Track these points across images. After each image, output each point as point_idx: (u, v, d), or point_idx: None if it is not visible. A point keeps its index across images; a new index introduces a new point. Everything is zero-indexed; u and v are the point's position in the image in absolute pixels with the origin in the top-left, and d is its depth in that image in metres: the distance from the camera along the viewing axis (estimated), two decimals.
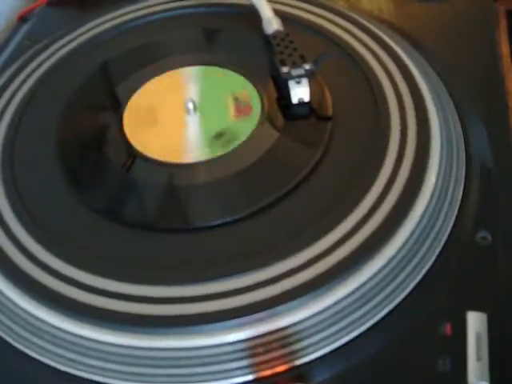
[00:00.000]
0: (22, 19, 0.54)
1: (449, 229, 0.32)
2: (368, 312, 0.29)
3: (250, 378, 0.28)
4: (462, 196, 0.33)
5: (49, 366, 0.30)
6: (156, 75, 0.42)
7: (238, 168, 0.34)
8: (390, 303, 0.29)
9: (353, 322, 0.28)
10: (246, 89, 0.39)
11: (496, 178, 0.34)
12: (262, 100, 0.38)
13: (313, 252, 0.29)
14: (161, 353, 0.28)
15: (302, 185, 0.33)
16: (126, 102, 0.40)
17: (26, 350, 0.30)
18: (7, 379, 0.30)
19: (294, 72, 0.37)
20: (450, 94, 0.38)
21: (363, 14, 0.44)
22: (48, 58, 0.45)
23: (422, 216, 0.31)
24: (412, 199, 0.31)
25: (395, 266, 0.29)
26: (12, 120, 0.40)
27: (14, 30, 0.53)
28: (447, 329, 0.28)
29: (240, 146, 0.35)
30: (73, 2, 0.54)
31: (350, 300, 0.28)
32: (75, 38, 0.46)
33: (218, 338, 0.28)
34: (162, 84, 0.41)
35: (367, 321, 0.29)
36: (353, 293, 0.28)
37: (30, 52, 0.46)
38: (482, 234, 0.31)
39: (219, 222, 0.32)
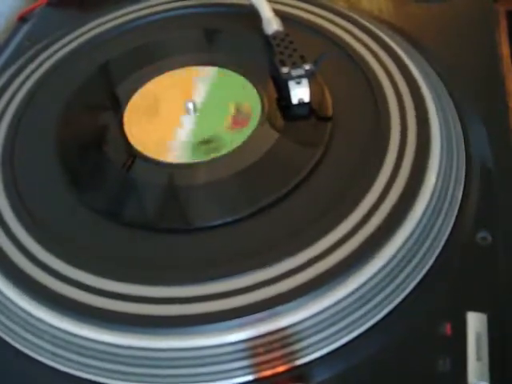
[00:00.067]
0: (22, 19, 0.54)
1: (449, 229, 0.32)
2: (368, 312, 0.29)
3: (249, 378, 0.28)
4: (462, 196, 0.33)
5: (49, 366, 0.30)
6: (156, 75, 0.42)
7: (239, 168, 0.34)
8: (389, 303, 0.29)
9: (353, 322, 0.28)
10: (249, 101, 0.38)
11: (496, 178, 0.34)
12: (262, 100, 0.38)
13: (313, 252, 0.29)
14: (161, 353, 0.28)
15: (302, 185, 0.33)
16: (127, 102, 0.40)
17: (26, 351, 0.30)
18: (7, 379, 0.30)
19: (294, 72, 0.37)
20: (450, 94, 0.38)
21: (363, 14, 0.44)
22: (48, 58, 0.45)
23: (422, 216, 0.31)
24: (412, 199, 0.31)
25: (395, 266, 0.29)
26: (12, 120, 0.40)
27: (14, 31, 0.53)
28: (447, 329, 0.28)
29: (240, 146, 0.35)
30: (73, 2, 0.54)
31: (350, 300, 0.28)
32: (75, 39, 0.46)
33: (218, 339, 0.28)
34: (175, 79, 0.41)
35: (367, 321, 0.29)
36: (353, 293, 0.28)
37: (30, 52, 0.46)
38: (481, 234, 0.31)
39: (219, 222, 0.32)
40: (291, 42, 0.39)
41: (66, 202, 0.34)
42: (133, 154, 0.36)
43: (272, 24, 0.41)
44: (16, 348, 0.31)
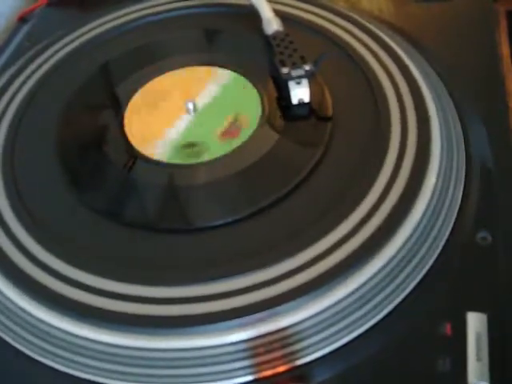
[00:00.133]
0: (22, 20, 0.54)
1: (449, 229, 0.32)
2: (368, 312, 0.29)
3: (250, 378, 0.28)
4: (462, 196, 0.33)
5: (49, 367, 0.30)
6: (156, 75, 0.42)
7: (239, 168, 0.34)
8: (389, 303, 0.29)
9: (353, 322, 0.28)
10: (249, 113, 0.37)
11: (496, 178, 0.34)
12: (262, 100, 0.38)
13: (313, 252, 0.29)
14: (161, 353, 0.28)
15: (302, 185, 0.33)
16: (127, 102, 0.40)
17: (26, 351, 0.30)
18: (7, 379, 0.30)
19: (294, 73, 0.37)
20: (450, 94, 0.38)
21: (363, 15, 0.44)
22: (48, 58, 0.45)
23: (422, 216, 0.31)
24: (412, 199, 0.31)
25: (395, 266, 0.29)
26: (13, 120, 0.40)
27: (14, 31, 0.53)
28: (447, 329, 0.28)
29: (240, 147, 0.35)
30: (73, 3, 0.54)
31: (350, 300, 0.28)
32: (76, 39, 0.46)
33: (219, 339, 0.28)
34: (176, 79, 0.41)
35: (367, 321, 0.29)
36: (353, 293, 0.28)
37: (30, 53, 0.46)
38: (481, 234, 0.31)
39: (219, 222, 0.32)
40: (291, 42, 0.39)
41: (66, 202, 0.34)
42: (134, 155, 0.36)
43: (272, 24, 0.41)
44: (16, 348, 0.31)
